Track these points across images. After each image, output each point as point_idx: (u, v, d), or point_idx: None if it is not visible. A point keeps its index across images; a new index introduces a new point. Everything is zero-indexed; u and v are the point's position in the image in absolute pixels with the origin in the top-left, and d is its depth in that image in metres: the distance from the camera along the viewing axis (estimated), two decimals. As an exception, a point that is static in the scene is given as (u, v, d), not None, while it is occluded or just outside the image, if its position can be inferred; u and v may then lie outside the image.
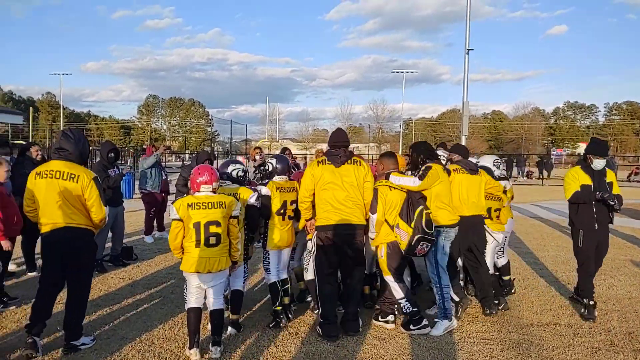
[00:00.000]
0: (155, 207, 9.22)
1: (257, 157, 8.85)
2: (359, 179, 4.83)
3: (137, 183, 9.95)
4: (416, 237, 4.59)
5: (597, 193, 5.21)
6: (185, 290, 4.45)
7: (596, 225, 5.30)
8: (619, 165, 35.75)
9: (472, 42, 19.97)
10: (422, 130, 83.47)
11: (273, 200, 4.87)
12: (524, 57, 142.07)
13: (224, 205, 4.15)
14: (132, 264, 7.38)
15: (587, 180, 5.30)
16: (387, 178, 4.92)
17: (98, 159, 7.57)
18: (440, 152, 5.92)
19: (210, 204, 4.11)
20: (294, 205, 5.06)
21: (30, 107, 62.32)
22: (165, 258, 7.85)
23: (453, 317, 4.92)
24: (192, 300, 4.22)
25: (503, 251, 6.06)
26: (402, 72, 62.72)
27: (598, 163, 5.29)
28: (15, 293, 5.73)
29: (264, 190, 4.88)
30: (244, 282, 4.92)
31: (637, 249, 9.24)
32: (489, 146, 77.90)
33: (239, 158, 6.45)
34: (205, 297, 4.32)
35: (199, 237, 4.06)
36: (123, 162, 32.86)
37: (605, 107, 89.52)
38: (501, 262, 6.09)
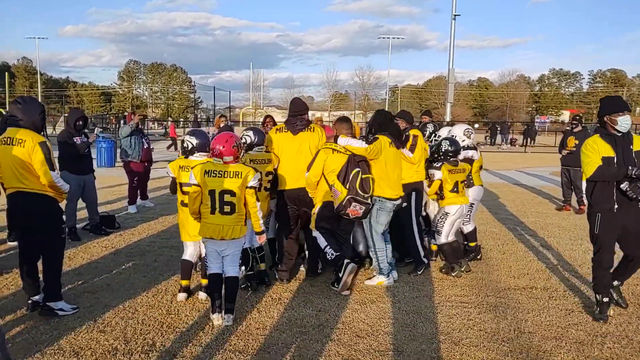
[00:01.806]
0: (138, 176, 9.13)
1: (222, 126, 8.72)
2: (312, 145, 5.22)
3: (119, 151, 9.81)
4: (348, 197, 4.83)
5: (634, 169, 4.10)
6: (205, 258, 4.58)
7: (616, 206, 4.27)
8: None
9: (459, 8, 19.88)
10: (408, 98, 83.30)
11: None
12: (512, 23, 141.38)
13: (239, 176, 4.19)
14: (114, 233, 7.36)
15: (608, 151, 4.25)
16: (335, 140, 5.08)
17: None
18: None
19: (226, 173, 4.18)
20: (270, 176, 5.18)
21: (6, 73, 60.60)
22: (149, 227, 7.84)
23: (390, 275, 5.32)
24: (213, 266, 4.35)
25: (469, 218, 6.21)
26: (389, 38, 62.27)
27: (623, 121, 4.22)
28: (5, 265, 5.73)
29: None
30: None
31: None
32: (473, 113, 78.17)
33: (211, 129, 6.37)
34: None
35: (214, 205, 4.17)
36: (102, 129, 32.34)
37: (589, 75, 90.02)
38: (467, 228, 6.25)
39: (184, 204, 4.64)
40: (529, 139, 32.72)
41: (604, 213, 4.32)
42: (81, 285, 5.11)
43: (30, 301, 4.39)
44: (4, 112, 9.46)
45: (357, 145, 4.96)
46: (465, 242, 6.34)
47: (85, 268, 5.70)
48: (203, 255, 4.80)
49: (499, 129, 35.49)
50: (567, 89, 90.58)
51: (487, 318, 4.44)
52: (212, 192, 4.17)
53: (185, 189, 4.56)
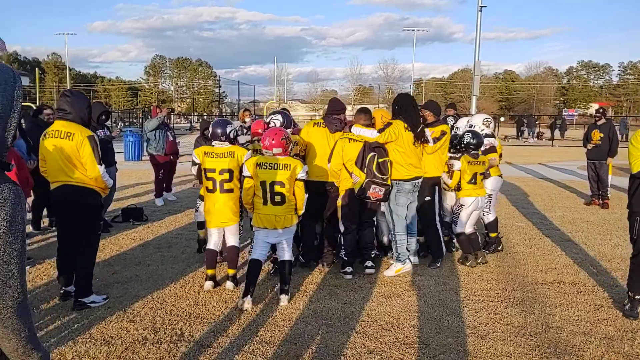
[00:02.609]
0: (163, 170, 9.27)
1: (247, 120, 8.78)
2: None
3: (145, 145, 9.97)
4: (366, 181, 5.03)
5: None
6: (252, 242, 4.82)
7: None
8: (632, 126, 35.20)
9: (484, -1, 19.46)
10: (432, 91, 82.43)
11: None
12: (539, 14, 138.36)
13: (288, 168, 4.43)
14: (142, 225, 7.50)
15: None
16: (349, 129, 5.32)
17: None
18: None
19: (276, 165, 4.42)
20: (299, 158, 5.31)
21: (37, 69, 62.03)
22: (176, 219, 7.96)
23: (407, 261, 5.37)
24: (257, 252, 4.58)
25: (490, 209, 6.19)
26: (414, 31, 61.60)
27: None
28: (28, 253, 5.89)
29: None
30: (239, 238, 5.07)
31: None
32: (499, 107, 76.93)
33: (236, 123, 6.49)
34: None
35: (266, 196, 4.43)
36: (128, 123, 32.83)
37: (619, 67, 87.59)
38: (487, 219, 6.22)
39: (208, 190, 4.76)
40: (559, 133, 32.12)
41: None
42: (111, 276, 5.23)
43: (62, 291, 4.52)
44: (34, 107, 9.66)
45: (369, 135, 5.21)
46: (486, 232, 6.33)
47: (115, 259, 5.83)
48: (228, 244, 4.91)
49: (525, 122, 34.87)
50: (596, 81, 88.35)
51: (514, 312, 4.40)
52: (263, 184, 4.42)
53: (245, 182, 4.61)
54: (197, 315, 4.25)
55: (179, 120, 49.61)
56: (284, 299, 4.51)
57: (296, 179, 4.46)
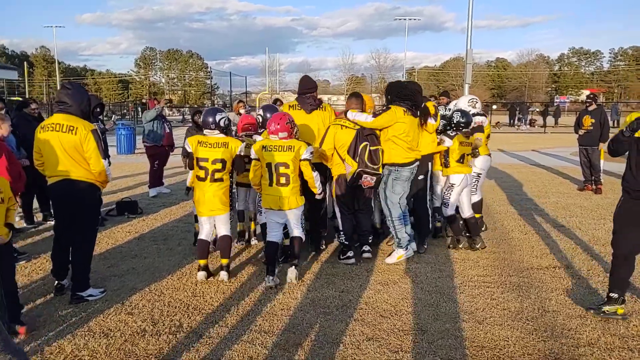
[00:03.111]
0: (159, 160, 9.22)
1: (242, 111, 8.79)
2: (325, 123, 5.51)
3: (138, 138, 9.92)
4: (358, 171, 5.11)
5: (626, 129, 3.80)
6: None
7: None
8: (622, 112, 35.35)
9: (475, -14, 19.40)
10: (425, 79, 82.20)
11: None
12: (531, 2, 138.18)
13: (292, 149, 4.62)
14: (137, 218, 7.47)
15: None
16: (345, 115, 5.31)
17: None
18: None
19: (280, 147, 4.61)
20: None
21: (25, 62, 61.34)
22: (170, 212, 7.94)
23: (409, 247, 5.39)
24: (271, 235, 4.82)
25: (477, 189, 6.27)
26: (405, 20, 61.35)
27: None
28: (24, 248, 5.86)
29: (259, 139, 5.17)
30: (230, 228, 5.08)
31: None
32: (492, 94, 77.00)
33: (230, 114, 6.53)
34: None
35: (272, 177, 4.63)
36: (120, 116, 32.62)
37: (610, 53, 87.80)
38: (473, 199, 6.24)
39: (199, 179, 4.79)
40: (553, 119, 32.25)
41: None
42: (107, 269, 5.21)
43: (58, 285, 4.48)
44: (21, 100, 9.55)
45: (364, 120, 5.19)
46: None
47: (111, 252, 5.81)
48: (220, 234, 4.95)
49: (517, 109, 34.94)
50: (587, 68, 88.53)
51: (510, 297, 4.44)
52: (269, 165, 4.62)
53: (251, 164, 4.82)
54: (195, 307, 4.25)
55: (170, 112, 49.29)
56: (291, 272, 4.74)
57: (301, 160, 4.63)
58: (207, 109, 5.10)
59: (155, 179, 9.31)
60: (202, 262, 4.91)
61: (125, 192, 9.40)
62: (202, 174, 4.75)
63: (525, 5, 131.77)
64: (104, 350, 3.51)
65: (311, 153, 4.70)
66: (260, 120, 5.51)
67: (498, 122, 32.46)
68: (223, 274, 4.86)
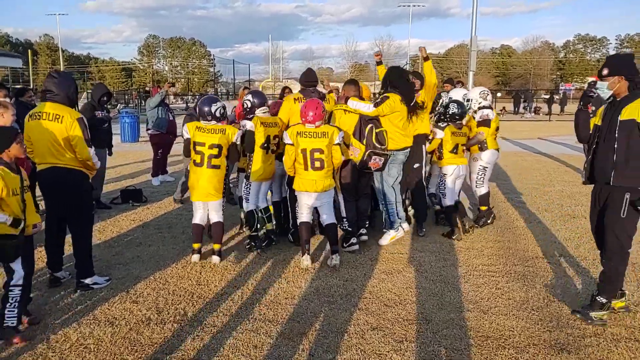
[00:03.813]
0: (163, 148, 9.20)
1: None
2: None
3: (142, 127, 9.90)
4: (367, 152, 5.14)
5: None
6: (296, 207, 5.16)
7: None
8: (629, 99, 35.04)
9: (481, -28, 19.16)
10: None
11: (257, 134, 5.15)
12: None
13: (327, 135, 4.81)
14: (142, 206, 7.48)
15: (597, 119, 3.85)
16: (346, 102, 5.32)
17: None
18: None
19: (315, 134, 4.79)
20: (277, 139, 5.38)
21: (29, 50, 61.19)
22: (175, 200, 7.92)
23: (400, 229, 5.57)
24: (303, 216, 4.96)
25: (483, 182, 6.25)
26: (409, 6, 60.69)
27: (601, 86, 3.77)
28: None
29: (249, 124, 5.15)
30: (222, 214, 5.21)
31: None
32: (496, 82, 76.49)
33: (235, 102, 6.55)
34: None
35: (307, 162, 4.78)
36: (124, 104, 32.50)
37: (616, 40, 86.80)
38: (480, 191, 6.28)
39: (196, 164, 4.91)
40: (559, 107, 32.03)
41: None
42: (112, 258, 5.22)
43: (52, 277, 4.46)
44: (19, 88, 9.52)
45: (365, 109, 5.25)
46: (478, 205, 6.43)
47: (116, 240, 5.82)
48: (212, 220, 5.10)
49: (522, 97, 34.69)
50: (593, 55, 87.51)
51: (515, 287, 4.42)
52: (304, 151, 4.77)
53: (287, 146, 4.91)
54: (199, 295, 4.26)
55: (174, 100, 49.20)
56: (336, 258, 4.88)
57: (334, 144, 4.83)
58: (202, 99, 5.17)
59: (159, 167, 9.30)
60: (196, 245, 5.11)
61: (130, 180, 9.40)
62: (198, 158, 4.91)
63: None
64: (109, 338, 3.52)
65: (342, 137, 4.92)
66: (249, 105, 5.36)
67: (504, 108, 32.42)
68: (215, 258, 5.04)
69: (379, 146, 5.14)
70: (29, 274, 3.67)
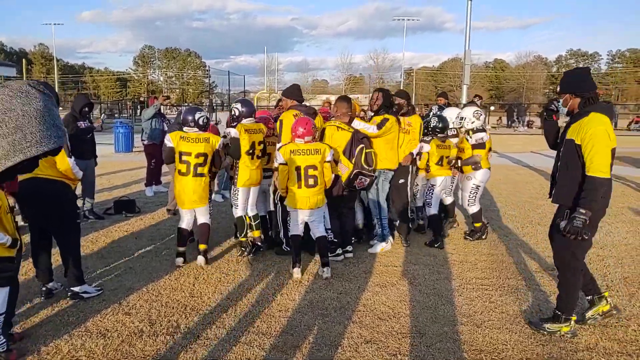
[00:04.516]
0: (156, 159, 9.19)
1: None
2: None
3: (136, 137, 9.89)
4: (354, 172, 5.22)
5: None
6: (288, 222, 5.20)
7: None
8: (620, 114, 35.45)
9: (475, -13, 19.42)
10: (423, 80, 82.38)
11: (242, 141, 5.24)
12: (529, 3, 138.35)
13: (319, 152, 4.89)
14: (135, 217, 7.45)
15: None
16: (349, 123, 5.45)
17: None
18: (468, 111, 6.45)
19: (308, 151, 4.84)
20: (262, 145, 5.47)
21: (23, 60, 61.14)
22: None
23: (389, 241, 5.84)
24: (295, 229, 4.99)
25: (475, 200, 6.33)
26: (404, 20, 61.28)
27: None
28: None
29: (233, 132, 5.26)
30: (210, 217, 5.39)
31: (635, 196, 9.31)
32: (490, 95, 77.08)
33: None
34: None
35: (300, 179, 4.82)
36: (117, 113, 32.40)
37: (608, 55, 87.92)
38: (472, 210, 6.37)
39: (181, 173, 5.04)
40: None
41: None
42: (105, 269, 5.19)
43: (44, 288, 4.40)
44: None
45: (371, 131, 5.48)
46: (472, 222, 6.50)
47: (108, 251, 5.79)
48: (199, 222, 5.25)
49: (515, 111, 34.93)
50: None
51: (508, 300, 4.43)
52: (298, 169, 4.82)
53: (277, 165, 4.99)
54: (192, 307, 4.24)
55: (169, 110, 49.19)
56: (327, 271, 4.90)
57: (325, 161, 4.91)
58: (187, 108, 5.36)
59: (153, 177, 9.28)
60: (180, 249, 5.26)
61: (123, 190, 9.37)
62: (184, 168, 5.05)
63: (524, 6, 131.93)
64: (101, 350, 3.49)
65: (332, 155, 5.02)
66: (236, 113, 5.43)
67: (500, 118, 32.80)
68: (200, 259, 5.18)
69: (367, 167, 5.26)
70: (15, 294, 3.48)
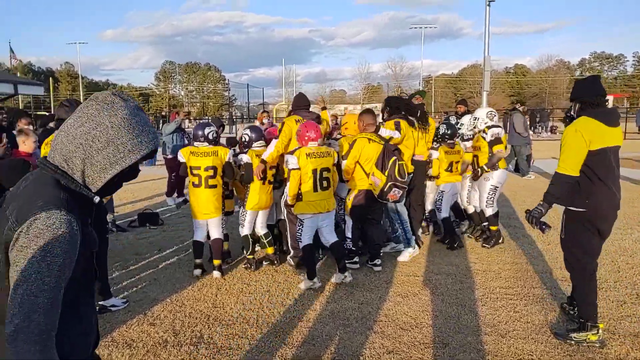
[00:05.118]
0: (176, 172, 9.31)
1: (265, 121, 8.97)
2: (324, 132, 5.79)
3: (159, 150, 10.05)
4: (388, 184, 5.18)
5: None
6: (298, 231, 5.04)
7: None
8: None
9: (493, -7, 19.29)
10: (442, 87, 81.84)
11: (254, 166, 5.35)
12: (548, 7, 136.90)
13: (331, 154, 4.96)
14: (159, 229, 7.55)
15: None
16: (376, 132, 5.44)
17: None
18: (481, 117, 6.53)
19: (321, 153, 4.88)
20: (273, 170, 5.53)
21: (50, 78, 62.77)
22: (191, 223, 7.94)
23: (416, 246, 5.92)
24: (306, 238, 4.96)
25: (493, 202, 6.32)
26: (421, 27, 61.12)
27: None
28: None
29: (245, 158, 5.42)
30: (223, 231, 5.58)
31: (664, 202, 9.08)
32: (511, 101, 76.16)
33: (256, 122, 6.69)
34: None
35: (316, 183, 4.81)
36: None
37: (634, 57, 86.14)
38: (488, 212, 6.35)
39: (194, 185, 5.25)
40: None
41: None
42: (130, 280, 5.27)
43: None
44: (47, 115, 9.72)
45: (397, 136, 5.64)
46: (487, 225, 6.49)
47: (133, 263, 5.88)
48: (212, 237, 5.37)
49: (537, 116, 34.48)
50: (609, 72, 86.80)
51: (534, 310, 4.36)
52: (314, 171, 4.81)
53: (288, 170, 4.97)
54: (215, 318, 4.27)
55: (190, 124, 49.92)
56: (348, 275, 5.03)
57: (334, 164, 5.02)
58: (197, 124, 5.61)
59: (173, 189, 9.41)
60: (198, 260, 5.41)
61: (146, 202, 9.52)
62: (196, 180, 5.22)
63: (544, 10, 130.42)
64: (127, 361, 3.54)
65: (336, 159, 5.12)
66: (247, 139, 5.58)
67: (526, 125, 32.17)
68: (216, 273, 5.31)
69: (400, 179, 5.19)
70: None
